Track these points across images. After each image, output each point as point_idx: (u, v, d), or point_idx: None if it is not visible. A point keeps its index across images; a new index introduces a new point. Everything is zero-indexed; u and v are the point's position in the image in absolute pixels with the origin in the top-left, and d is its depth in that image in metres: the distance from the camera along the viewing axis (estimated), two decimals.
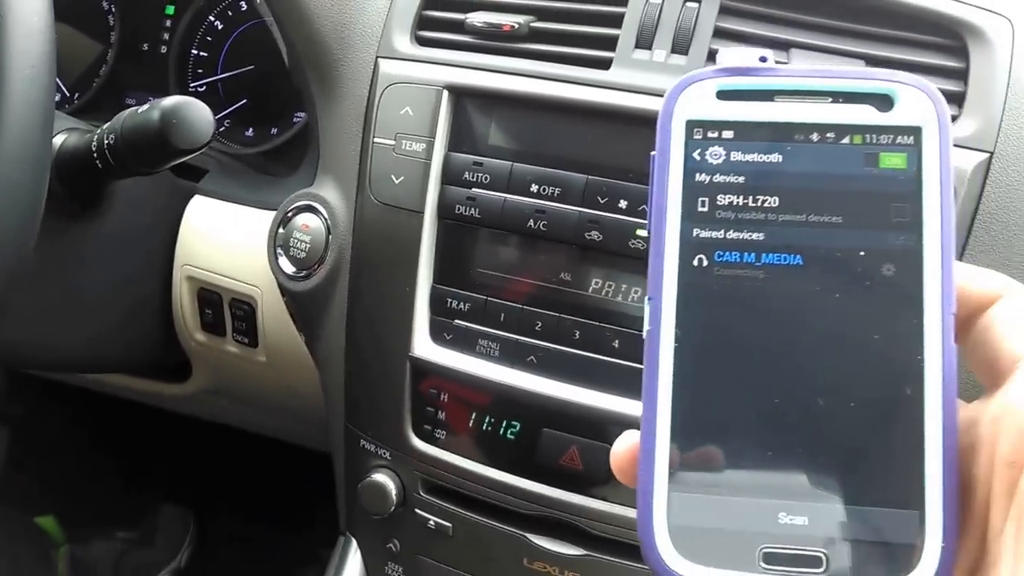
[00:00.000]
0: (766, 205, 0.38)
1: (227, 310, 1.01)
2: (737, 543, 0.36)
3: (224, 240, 1.00)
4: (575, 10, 0.84)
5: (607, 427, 0.80)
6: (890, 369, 0.36)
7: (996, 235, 0.72)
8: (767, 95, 0.39)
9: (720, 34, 0.80)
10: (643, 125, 0.79)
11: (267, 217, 0.94)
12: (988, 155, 0.73)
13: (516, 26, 0.84)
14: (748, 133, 0.39)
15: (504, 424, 0.83)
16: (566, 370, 0.81)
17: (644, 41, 0.81)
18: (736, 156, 0.38)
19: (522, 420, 0.83)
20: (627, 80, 0.80)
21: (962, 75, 0.74)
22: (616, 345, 0.80)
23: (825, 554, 0.35)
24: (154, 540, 1.57)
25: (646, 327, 0.38)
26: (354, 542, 0.95)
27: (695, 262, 0.38)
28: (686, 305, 0.38)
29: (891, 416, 0.36)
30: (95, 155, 0.82)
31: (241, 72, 1.14)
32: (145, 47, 1.19)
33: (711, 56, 0.79)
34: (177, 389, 1.16)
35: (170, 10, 1.18)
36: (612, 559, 0.82)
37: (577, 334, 0.81)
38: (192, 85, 1.16)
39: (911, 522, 0.35)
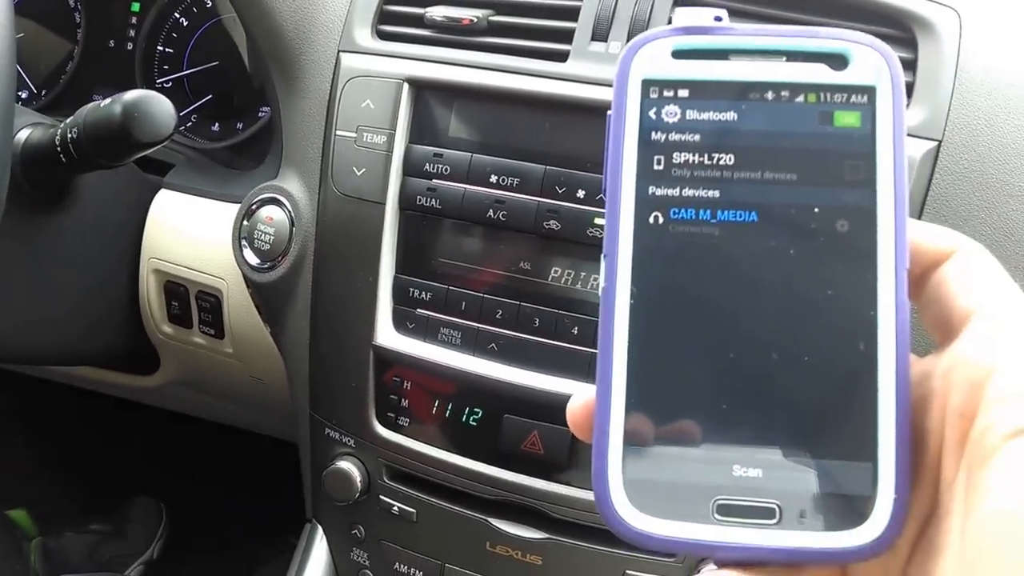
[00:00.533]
0: (721, 163, 0.38)
1: (193, 302, 1.02)
2: (691, 496, 0.36)
3: (190, 233, 1.01)
4: (533, 4, 0.86)
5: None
6: (844, 324, 0.37)
7: (945, 222, 0.74)
8: (722, 54, 0.39)
9: None
10: (600, 116, 0.80)
11: (232, 210, 0.95)
12: (936, 143, 0.75)
13: (475, 20, 0.85)
14: (703, 92, 0.39)
15: (466, 411, 0.85)
16: (527, 357, 0.83)
17: (600, 33, 0.82)
18: (691, 115, 0.38)
19: (484, 407, 0.84)
20: (584, 72, 0.82)
21: (911, 66, 0.76)
22: (575, 332, 0.81)
23: (779, 505, 0.36)
24: (127, 532, 1.57)
25: (601, 283, 0.38)
26: (320, 529, 0.97)
27: (650, 219, 0.38)
28: (641, 262, 0.38)
29: (845, 370, 0.36)
30: (59, 149, 0.83)
31: (206, 68, 1.15)
32: (111, 44, 1.19)
33: None
34: (145, 381, 1.17)
35: (136, 7, 1.18)
36: (574, 542, 0.83)
37: (537, 321, 0.82)
38: (158, 81, 1.17)
39: (864, 474, 0.36)
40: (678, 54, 0.39)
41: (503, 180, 0.82)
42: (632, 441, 0.37)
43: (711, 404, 0.37)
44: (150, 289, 1.04)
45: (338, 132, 0.87)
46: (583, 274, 0.81)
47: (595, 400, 0.37)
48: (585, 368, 0.81)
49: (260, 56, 0.94)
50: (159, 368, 1.15)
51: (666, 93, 0.39)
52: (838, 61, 0.38)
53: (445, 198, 0.84)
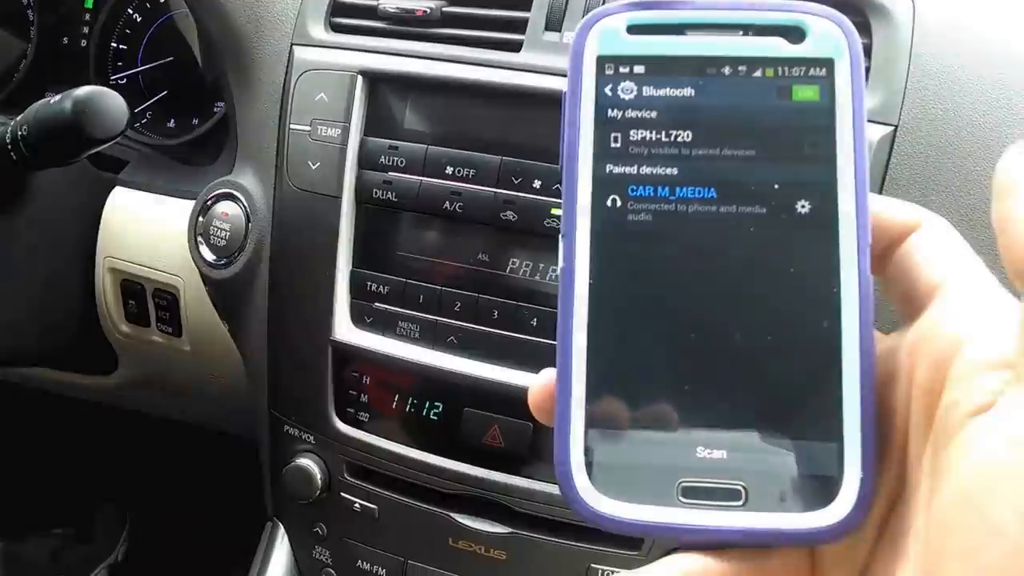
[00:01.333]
0: (679, 140, 0.38)
1: (150, 300, 1.01)
2: (655, 478, 0.36)
3: (145, 230, 1.00)
4: None
5: (527, 405, 0.81)
6: (806, 301, 0.36)
7: None
8: (678, 29, 0.38)
9: None
10: (554, 105, 0.79)
11: (188, 207, 0.94)
12: (893, 128, 0.75)
13: (428, 11, 0.85)
14: (660, 67, 0.38)
15: (426, 405, 0.84)
16: (486, 349, 0.82)
17: (554, 23, 0.82)
18: (648, 91, 0.38)
19: (444, 400, 0.84)
20: (537, 61, 0.81)
21: (865, 51, 0.76)
22: (534, 323, 0.81)
23: (744, 487, 0.35)
24: (91, 536, 1.56)
25: (560, 264, 0.38)
26: (281, 527, 0.96)
27: (608, 197, 0.37)
28: (600, 241, 0.37)
29: (808, 348, 0.36)
30: (9, 147, 0.82)
31: (160, 64, 1.13)
32: (65, 41, 1.18)
33: None
34: (104, 381, 1.15)
35: (89, 4, 1.16)
36: (538, 536, 0.83)
37: (495, 313, 0.82)
38: (113, 78, 1.16)
39: (830, 454, 0.35)
40: (633, 29, 0.38)
41: (459, 172, 0.82)
42: (594, 424, 0.36)
43: (673, 385, 0.36)
44: (106, 288, 1.03)
45: (292, 126, 0.86)
46: (542, 265, 0.81)
47: (556, 383, 0.37)
48: (546, 360, 0.79)
49: (214, 51, 0.93)
50: (117, 368, 1.13)
51: (621, 69, 0.38)
52: (795, 34, 0.38)
53: (401, 191, 0.83)
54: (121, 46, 1.15)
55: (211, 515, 1.58)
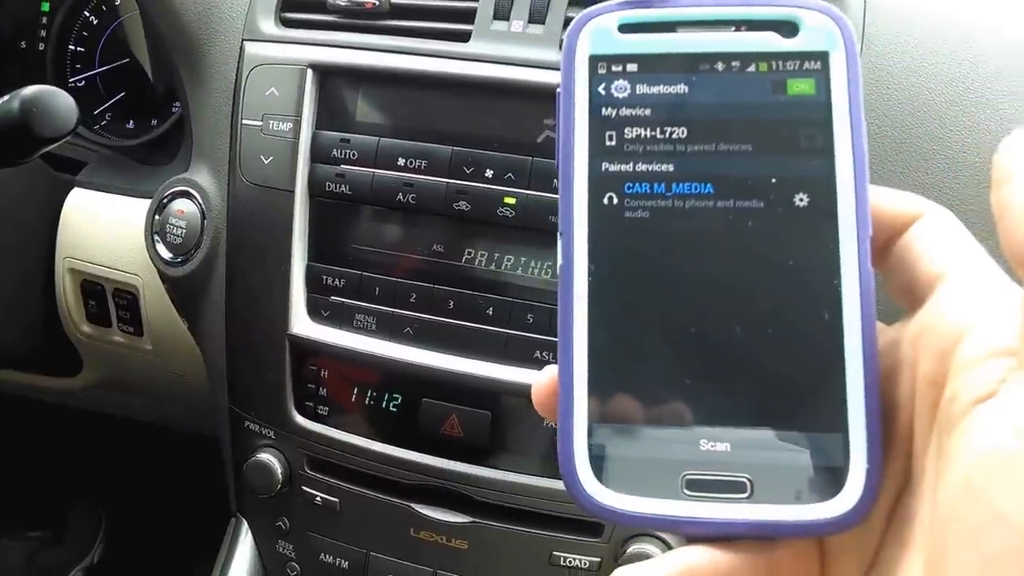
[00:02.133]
0: (674, 136, 0.37)
1: (111, 300, 1.01)
2: (660, 471, 0.36)
3: (104, 231, 1.00)
4: None
5: (485, 394, 0.81)
6: (807, 295, 0.36)
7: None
8: (669, 26, 0.38)
9: (576, 2, 0.81)
10: (504, 94, 0.81)
11: (146, 206, 0.93)
12: None
13: (377, 3, 0.85)
14: (652, 65, 0.38)
15: (385, 397, 0.84)
16: (442, 340, 0.82)
17: (501, 12, 0.82)
18: (642, 89, 0.38)
19: (402, 392, 0.84)
20: (486, 51, 0.81)
21: None
22: (490, 312, 0.81)
23: (749, 479, 0.35)
24: (66, 538, 1.55)
25: (559, 262, 0.38)
26: (245, 523, 0.96)
27: (605, 195, 0.38)
28: (598, 238, 0.37)
29: (810, 341, 0.36)
30: None
31: (118, 65, 1.13)
32: (23, 45, 1.17)
33: (567, 24, 0.80)
34: (69, 383, 1.15)
35: (45, 7, 1.16)
36: (499, 525, 0.83)
37: (451, 304, 0.82)
38: (71, 80, 1.15)
39: (835, 445, 0.35)
40: (624, 28, 0.38)
41: (411, 163, 0.82)
42: (596, 419, 0.36)
43: (676, 379, 0.36)
44: (67, 289, 1.03)
45: (244, 121, 0.86)
46: (496, 254, 0.81)
47: (558, 378, 0.37)
48: (501, 349, 0.81)
49: (164, 50, 0.93)
50: (82, 369, 1.13)
51: (614, 68, 0.38)
52: (788, 28, 0.38)
53: (354, 183, 0.83)
54: (78, 48, 1.15)
55: (185, 513, 1.58)
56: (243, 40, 0.88)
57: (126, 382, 1.13)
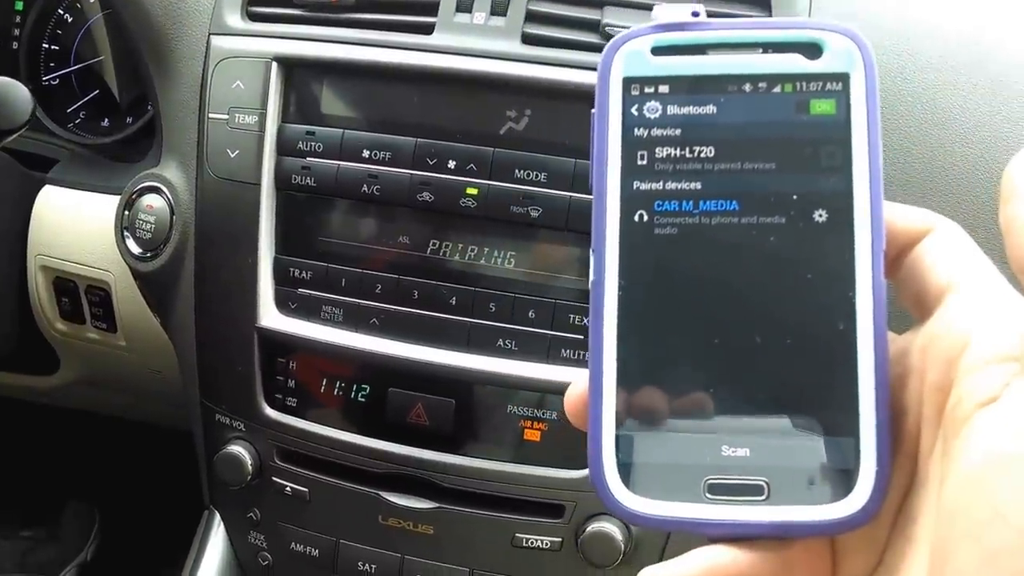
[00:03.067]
0: (703, 155, 0.39)
1: (84, 297, 1.02)
2: (683, 476, 0.38)
3: (75, 227, 1.01)
4: None
5: (450, 382, 0.82)
6: (824, 306, 0.38)
7: None
8: (700, 49, 0.40)
9: None
10: (467, 86, 0.81)
11: (116, 202, 0.94)
12: None
13: None
14: (683, 87, 0.40)
15: (352, 387, 0.85)
16: (408, 330, 0.83)
17: (464, 5, 0.83)
18: (672, 109, 0.40)
19: (369, 382, 0.85)
20: (449, 43, 0.82)
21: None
22: (454, 302, 0.82)
23: (767, 482, 0.37)
24: (59, 536, 1.56)
25: (591, 277, 0.39)
26: (217, 515, 0.97)
27: (635, 212, 0.39)
28: (629, 254, 0.39)
29: (826, 350, 0.38)
30: None
31: (92, 63, 1.14)
32: None
33: (529, 16, 0.81)
34: (47, 381, 1.15)
35: (19, 6, 1.17)
36: (463, 509, 0.84)
37: (416, 294, 0.83)
38: (45, 78, 1.16)
39: (847, 449, 0.37)
40: (657, 51, 0.40)
41: (375, 155, 0.83)
42: (625, 427, 0.38)
43: (699, 388, 0.38)
44: (39, 286, 1.03)
45: (211, 115, 0.87)
46: (460, 245, 0.82)
47: (588, 388, 0.39)
48: (465, 338, 0.82)
49: (132, 45, 0.94)
50: (60, 368, 1.14)
51: (647, 90, 0.40)
52: (812, 50, 0.39)
53: (319, 175, 0.84)
54: (53, 47, 1.16)
55: (178, 510, 1.58)
56: (210, 34, 0.89)
57: (104, 379, 1.14)
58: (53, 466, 1.65)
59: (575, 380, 0.40)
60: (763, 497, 0.37)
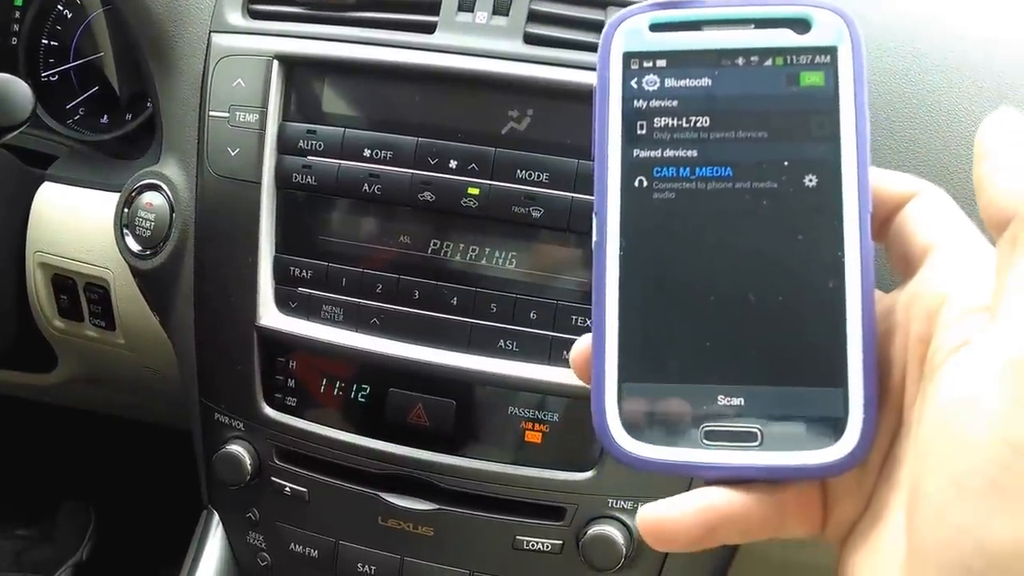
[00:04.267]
0: (698, 125, 0.42)
1: (82, 295, 1.01)
2: (682, 424, 0.40)
3: (74, 224, 1.00)
4: None
5: (450, 383, 0.82)
6: (814, 266, 0.40)
7: None
8: (695, 25, 0.42)
9: None
10: (468, 85, 0.81)
11: (115, 199, 0.94)
12: None
13: None
14: (679, 61, 0.42)
15: (352, 387, 0.85)
16: (408, 330, 0.83)
17: (466, 4, 0.82)
18: (669, 82, 0.42)
19: (369, 382, 0.84)
20: (451, 42, 0.82)
21: None
22: (454, 302, 0.82)
23: (760, 429, 0.40)
24: (55, 535, 1.55)
25: (594, 238, 0.42)
26: (216, 515, 0.96)
27: (635, 178, 0.42)
28: (629, 217, 0.41)
29: (816, 307, 0.40)
30: None
31: (92, 60, 1.13)
32: None
33: (531, 16, 0.81)
34: (44, 379, 1.15)
35: (18, 2, 1.16)
36: (464, 511, 0.84)
37: (416, 294, 0.82)
38: (44, 75, 1.15)
39: (836, 399, 0.39)
40: (655, 27, 0.43)
41: (376, 154, 0.82)
42: (626, 378, 0.41)
43: (696, 342, 0.41)
44: (38, 283, 1.03)
45: (211, 113, 0.87)
46: (461, 245, 0.82)
47: (592, 343, 0.42)
48: (465, 338, 0.81)
49: (134, 42, 0.94)
50: (57, 365, 1.13)
51: (645, 64, 0.42)
52: (801, 25, 0.42)
53: (320, 174, 0.83)
54: (52, 43, 1.15)
55: (174, 509, 1.58)
56: (210, 32, 0.89)
57: (102, 377, 1.14)
58: (49, 464, 1.65)
59: (580, 338, 0.43)
60: (757, 443, 0.40)
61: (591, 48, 0.79)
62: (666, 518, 0.39)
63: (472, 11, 0.82)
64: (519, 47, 0.80)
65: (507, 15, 0.81)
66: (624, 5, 0.79)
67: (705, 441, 0.40)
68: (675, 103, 0.42)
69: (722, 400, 0.40)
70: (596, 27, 0.80)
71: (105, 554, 1.58)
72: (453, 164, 0.81)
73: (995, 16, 0.81)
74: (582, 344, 0.43)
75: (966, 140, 0.76)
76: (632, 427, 0.40)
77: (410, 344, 0.83)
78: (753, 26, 0.42)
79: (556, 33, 0.80)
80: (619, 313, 0.41)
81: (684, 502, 0.39)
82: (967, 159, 0.76)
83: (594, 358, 0.41)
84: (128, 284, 0.97)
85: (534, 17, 0.81)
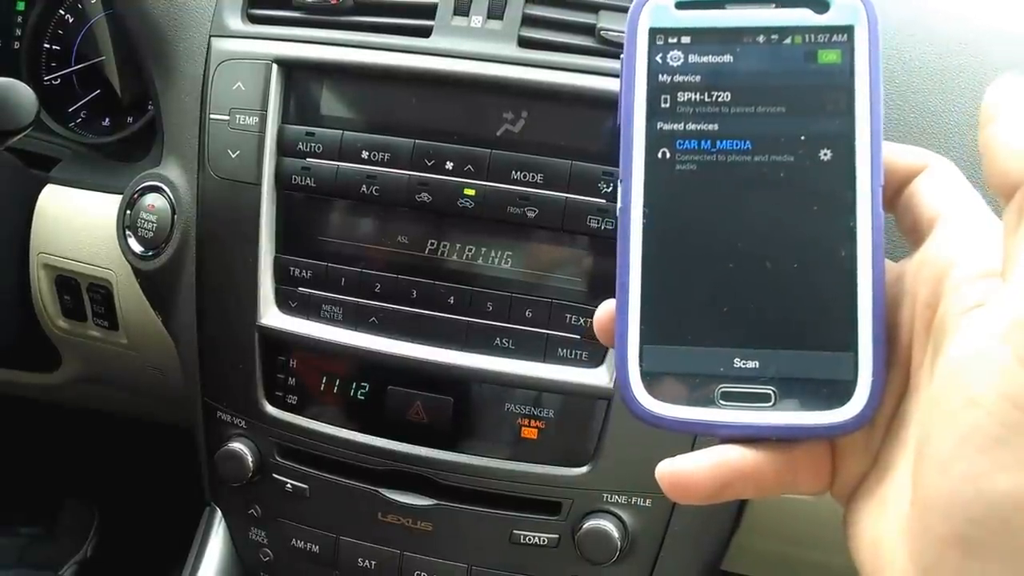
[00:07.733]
0: (720, 99, 0.43)
1: (85, 295, 1.03)
2: (699, 385, 0.42)
3: (77, 226, 1.02)
4: None
5: (448, 380, 0.84)
6: (827, 234, 0.42)
7: None
8: (718, 3, 0.44)
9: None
10: (464, 88, 0.83)
11: (117, 201, 0.95)
12: None
13: None
14: (703, 37, 0.44)
15: (352, 385, 0.86)
16: (406, 329, 0.84)
17: (462, 8, 0.84)
18: (693, 58, 0.44)
19: (368, 380, 0.86)
20: (447, 46, 0.83)
21: None
22: (451, 301, 0.83)
23: (774, 391, 0.42)
24: (58, 533, 1.56)
25: (619, 205, 0.44)
26: (218, 511, 0.98)
27: (659, 149, 0.43)
28: (652, 186, 0.43)
29: (829, 275, 0.42)
30: None
31: (94, 63, 1.15)
32: None
33: (525, 20, 0.82)
34: (48, 379, 1.16)
35: (20, 6, 1.18)
36: (462, 506, 0.86)
37: (414, 293, 0.84)
38: (46, 78, 1.17)
39: (846, 362, 0.41)
40: (680, 5, 0.44)
41: (374, 155, 0.84)
42: (647, 341, 0.43)
43: (714, 306, 0.42)
44: (41, 284, 1.04)
45: (212, 116, 0.88)
46: (458, 245, 0.83)
47: (615, 306, 0.43)
48: (463, 337, 0.83)
49: (135, 46, 0.95)
50: (61, 365, 1.15)
51: (670, 40, 0.44)
52: (820, 5, 0.43)
53: (319, 176, 0.85)
54: (54, 47, 1.17)
55: (178, 506, 1.59)
56: (210, 36, 0.90)
57: (104, 376, 1.15)
58: (53, 463, 1.66)
59: (603, 302, 0.44)
60: (770, 404, 0.42)
61: (584, 51, 0.81)
62: (683, 471, 0.41)
63: (467, 15, 0.84)
64: (513, 50, 0.82)
65: (501, 19, 0.83)
66: (616, 9, 0.81)
67: (721, 401, 0.42)
68: (698, 78, 0.43)
69: (738, 362, 0.42)
70: (589, 31, 0.81)
71: (109, 551, 1.59)
72: (449, 165, 0.82)
73: (979, 17, 0.83)
74: (605, 308, 0.44)
75: (947, 142, 0.77)
76: (652, 387, 0.42)
77: (408, 342, 0.84)
78: (774, 5, 0.43)
79: (550, 37, 0.82)
80: (641, 278, 0.43)
81: (701, 457, 0.41)
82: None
83: (617, 319, 0.43)
84: (130, 285, 0.98)
85: (528, 21, 0.83)
